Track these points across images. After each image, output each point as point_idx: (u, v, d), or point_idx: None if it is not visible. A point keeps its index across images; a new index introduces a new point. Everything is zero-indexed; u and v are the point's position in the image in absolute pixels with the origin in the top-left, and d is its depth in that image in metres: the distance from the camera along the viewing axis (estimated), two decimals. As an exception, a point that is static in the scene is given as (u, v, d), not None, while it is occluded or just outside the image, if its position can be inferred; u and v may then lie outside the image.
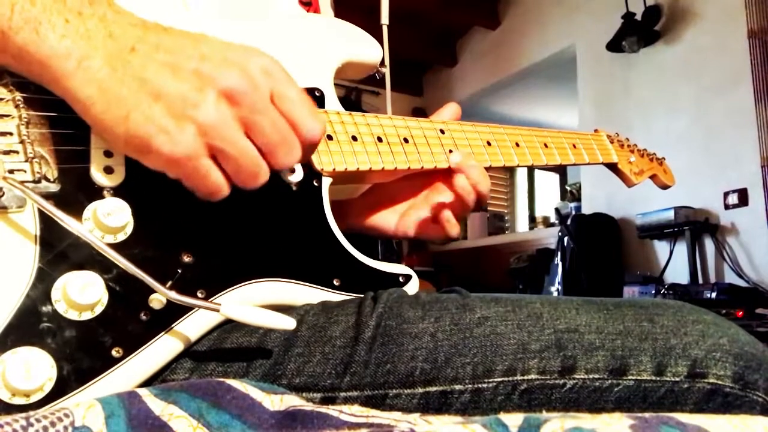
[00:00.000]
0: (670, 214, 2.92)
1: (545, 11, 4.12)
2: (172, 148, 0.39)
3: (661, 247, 3.16)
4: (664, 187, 0.95)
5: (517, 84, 4.61)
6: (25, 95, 0.43)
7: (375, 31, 0.70)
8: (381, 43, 0.71)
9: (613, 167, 0.88)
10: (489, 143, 0.71)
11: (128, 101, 0.39)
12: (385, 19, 0.76)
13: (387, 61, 0.73)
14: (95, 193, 0.45)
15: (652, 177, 0.94)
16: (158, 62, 0.40)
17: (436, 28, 4.79)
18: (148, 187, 0.45)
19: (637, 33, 3.23)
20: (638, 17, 3.25)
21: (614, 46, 3.35)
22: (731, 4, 2.86)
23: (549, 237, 3.94)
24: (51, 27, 0.38)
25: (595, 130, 0.88)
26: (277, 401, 0.39)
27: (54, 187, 0.43)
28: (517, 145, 0.74)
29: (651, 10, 3.22)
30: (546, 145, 0.76)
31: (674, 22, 3.20)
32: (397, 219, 0.69)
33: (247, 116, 0.42)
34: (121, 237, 0.44)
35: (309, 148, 0.46)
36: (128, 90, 0.39)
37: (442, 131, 0.69)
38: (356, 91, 4.72)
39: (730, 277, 2.79)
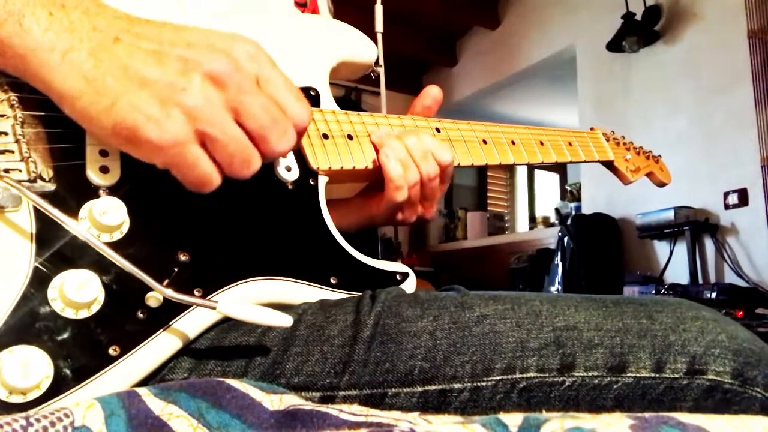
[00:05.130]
0: (670, 214, 2.92)
1: (545, 11, 4.12)
2: (160, 134, 0.38)
3: (661, 247, 3.16)
4: (661, 184, 0.95)
5: (517, 84, 4.61)
6: (19, 95, 0.43)
7: (369, 36, 0.70)
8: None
9: (609, 165, 0.88)
10: (485, 141, 0.71)
11: (114, 90, 0.38)
12: (379, 26, 0.76)
13: (382, 71, 0.73)
14: (91, 192, 0.44)
15: (649, 175, 0.94)
16: (143, 50, 0.40)
17: (436, 28, 4.79)
18: (144, 185, 0.45)
19: (637, 33, 3.23)
20: (638, 17, 3.25)
21: (614, 46, 3.35)
22: (731, 4, 2.86)
23: (549, 237, 3.94)
24: (35, 19, 0.38)
25: (591, 128, 0.88)
26: (277, 401, 0.38)
27: (50, 187, 0.43)
28: (513, 143, 0.74)
29: (651, 10, 3.22)
30: (542, 143, 0.77)
31: (674, 22, 3.20)
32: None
33: (235, 99, 0.41)
34: (117, 236, 0.44)
35: (298, 134, 0.46)
36: (113, 79, 0.38)
37: (437, 129, 0.69)
38: (356, 91, 4.72)
39: (730, 277, 2.79)
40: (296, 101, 0.45)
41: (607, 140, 0.87)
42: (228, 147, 0.41)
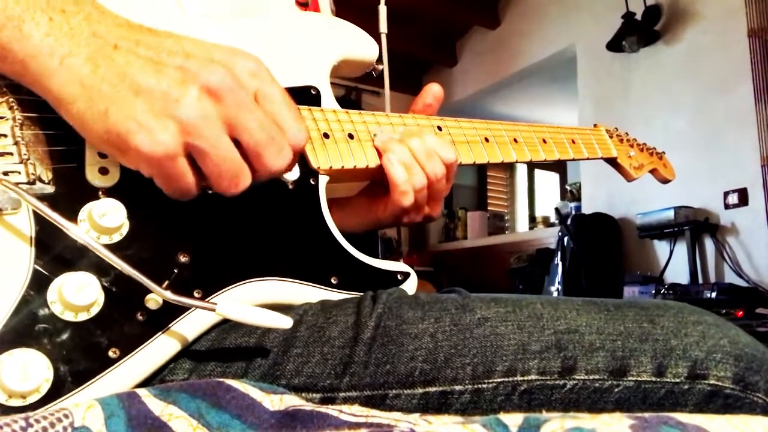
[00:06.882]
0: (670, 214, 2.92)
1: (545, 11, 4.12)
2: (152, 147, 0.38)
3: (661, 247, 3.16)
4: (665, 181, 0.94)
5: (517, 84, 4.61)
6: (18, 97, 0.43)
7: (373, 36, 0.70)
8: (380, 50, 0.70)
9: (612, 162, 0.87)
10: (487, 140, 0.71)
11: (108, 96, 0.38)
12: (383, 27, 0.76)
13: (386, 71, 0.73)
14: (90, 193, 0.44)
15: (652, 171, 0.93)
16: (141, 58, 0.39)
17: (436, 27, 4.79)
18: (143, 187, 0.45)
19: (637, 33, 3.23)
20: (638, 17, 3.25)
21: (614, 46, 3.35)
22: (731, 4, 2.86)
23: (549, 237, 3.94)
24: (35, 25, 0.38)
25: (595, 125, 0.87)
26: (277, 401, 0.38)
27: (49, 189, 0.43)
28: (515, 141, 0.73)
29: (651, 10, 3.22)
30: (544, 141, 0.76)
31: (674, 22, 3.20)
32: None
33: (231, 114, 0.40)
34: (117, 237, 0.44)
35: (294, 153, 0.45)
36: (109, 85, 0.38)
37: (439, 128, 0.68)
38: (356, 91, 4.71)
39: (730, 277, 2.79)
40: (294, 120, 0.44)
41: (611, 137, 0.87)
42: (218, 164, 0.40)
